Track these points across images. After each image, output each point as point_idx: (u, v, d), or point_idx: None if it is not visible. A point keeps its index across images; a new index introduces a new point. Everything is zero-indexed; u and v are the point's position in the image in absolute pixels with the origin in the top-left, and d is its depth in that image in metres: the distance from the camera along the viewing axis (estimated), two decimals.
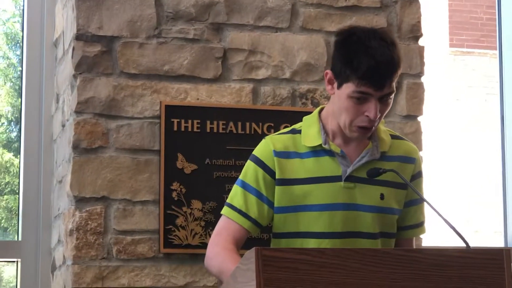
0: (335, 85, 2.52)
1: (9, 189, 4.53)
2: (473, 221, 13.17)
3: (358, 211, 2.55)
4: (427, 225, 2.79)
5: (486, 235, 13.09)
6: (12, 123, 4.65)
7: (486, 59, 13.36)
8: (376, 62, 2.43)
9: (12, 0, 4.55)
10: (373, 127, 2.52)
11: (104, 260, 3.43)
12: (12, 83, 4.70)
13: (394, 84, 2.48)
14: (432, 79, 13.10)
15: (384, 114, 2.52)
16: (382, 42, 2.46)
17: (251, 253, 1.98)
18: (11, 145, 4.60)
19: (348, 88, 2.47)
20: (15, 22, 4.63)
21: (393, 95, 2.50)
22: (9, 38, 4.73)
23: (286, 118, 3.59)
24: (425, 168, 2.96)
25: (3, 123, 4.73)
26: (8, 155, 4.58)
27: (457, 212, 13.04)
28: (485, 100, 13.43)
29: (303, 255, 1.99)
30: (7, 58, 4.77)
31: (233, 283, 2.11)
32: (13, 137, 4.61)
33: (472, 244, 2.33)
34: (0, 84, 4.73)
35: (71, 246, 3.41)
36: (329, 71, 2.55)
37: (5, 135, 4.70)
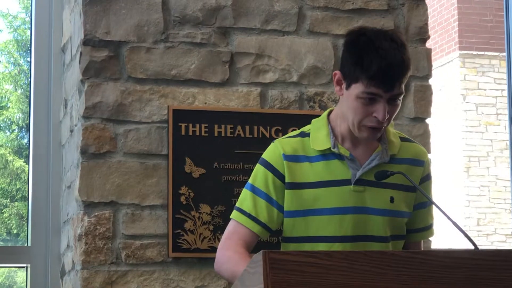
0: (344, 85, 2.51)
1: (20, 195, 4.54)
2: (484, 224, 13.12)
3: (368, 214, 2.54)
4: (436, 227, 2.79)
5: (497, 239, 13.04)
6: (23, 129, 4.66)
7: (496, 61, 13.33)
8: (386, 63, 2.42)
9: (22, 7, 4.57)
10: (382, 128, 2.51)
11: (113, 264, 3.43)
12: (22, 90, 4.71)
13: (403, 86, 2.47)
14: (442, 81, 13.07)
15: (393, 116, 2.51)
16: (392, 43, 2.45)
17: (258, 256, 1.97)
18: (22, 152, 4.60)
19: (357, 88, 2.46)
20: (26, 29, 4.64)
21: (402, 96, 2.49)
22: (20, 45, 4.74)
23: (294, 122, 3.59)
24: (434, 170, 2.96)
25: (14, 129, 4.74)
26: (19, 162, 4.59)
27: (467, 216, 13.00)
28: (495, 102, 13.40)
29: (311, 258, 1.98)
30: (18, 64, 4.79)
31: (241, 286, 2.10)
32: (24, 144, 4.62)
33: (484, 247, 2.33)
34: (10, 90, 4.74)
35: (80, 251, 3.42)
36: (337, 72, 2.54)
37: (16, 142, 4.70)
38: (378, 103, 2.46)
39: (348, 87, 2.49)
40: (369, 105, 2.46)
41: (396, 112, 2.51)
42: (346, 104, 2.51)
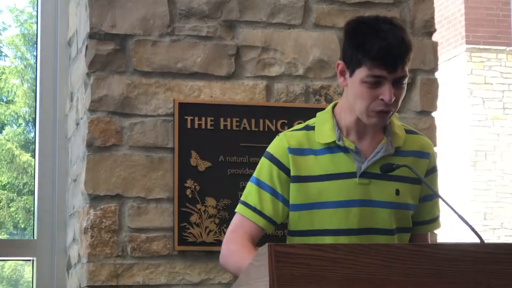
0: (347, 74, 2.52)
1: (27, 189, 4.55)
2: (491, 218, 13.11)
3: (373, 207, 2.55)
4: (442, 221, 2.78)
5: (504, 233, 13.02)
6: (30, 124, 4.67)
7: (503, 55, 13.30)
8: (387, 43, 2.43)
9: (29, 2, 4.57)
10: (391, 112, 2.50)
11: (118, 258, 3.44)
12: (29, 84, 4.72)
13: (406, 68, 2.48)
14: (449, 76, 13.05)
15: (400, 100, 2.51)
16: (391, 26, 2.48)
17: (264, 249, 1.97)
18: (29, 146, 4.61)
19: (361, 73, 2.46)
20: (32, 23, 4.64)
21: (406, 79, 2.50)
22: (27, 39, 4.75)
23: (299, 115, 3.59)
24: (441, 164, 2.95)
25: (21, 124, 4.75)
26: (26, 156, 4.60)
27: (474, 210, 12.98)
28: (501, 97, 13.37)
29: (316, 251, 1.98)
30: (25, 59, 4.79)
31: (246, 280, 2.10)
32: (31, 138, 4.63)
33: (490, 241, 2.32)
34: (17, 85, 4.75)
35: (86, 244, 3.42)
36: (340, 62, 2.54)
37: (22, 136, 4.71)
38: (383, 85, 2.46)
39: (352, 73, 2.50)
40: (374, 88, 2.46)
41: (402, 96, 2.51)
42: (352, 91, 2.51)
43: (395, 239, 2.57)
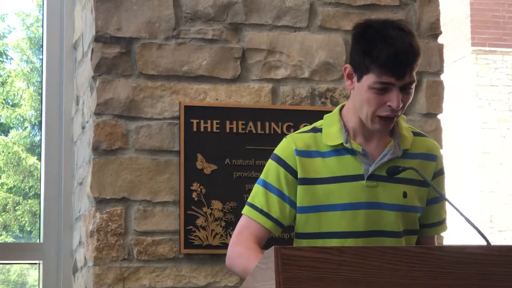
0: (355, 78, 2.51)
1: (33, 193, 4.55)
2: (497, 220, 13.09)
3: (381, 209, 2.54)
4: (449, 223, 2.78)
5: (510, 235, 13.00)
6: (36, 127, 4.68)
7: (509, 57, 13.29)
8: (395, 50, 2.42)
9: (36, 5, 4.58)
10: (396, 117, 2.50)
11: (125, 261, 3.44)
12: (35, 87, 4.73)
13: (414, 73, 2.47)
14: (455, 78, 13.04)
15: (406, 105, 2.50)
16: (400, 31, 2.46)
17: (270, 252, 1.97)
18: (34, 149, 4.62)
19: (369, 79, 2.46)
20: (38, 26, 4.65)
21: (414, 85, 2.49)
22: (33, 42, 4.76)
23: (305, 118, 3.58)
24: (447, 166, 2.95)
25: (27, 127, 4.76)
26: (32, 159, 4.61)
27: (480, 212, 12.96)
28: (508, 99, 13.36)
29: (323, 253, 1.98)
30: (31, 62, 4.80)
31: (252, 282, 2.10)
32: (37, 141, 4.64)
33: (496, 243, 2.32)
34: (23, 88, 4.76)
35: (92, 248, 3.42)
36: (348, 66, 2.53)
37: (28, 139, 4.72)
38: (391, 91, 2.45)
39: (359, 79, 2.49)
40: (382, 94, 2.46)
41: (409, 101, 2.50)
42: (359, 96, 2.50)
43: (403, 241, 2.57)
